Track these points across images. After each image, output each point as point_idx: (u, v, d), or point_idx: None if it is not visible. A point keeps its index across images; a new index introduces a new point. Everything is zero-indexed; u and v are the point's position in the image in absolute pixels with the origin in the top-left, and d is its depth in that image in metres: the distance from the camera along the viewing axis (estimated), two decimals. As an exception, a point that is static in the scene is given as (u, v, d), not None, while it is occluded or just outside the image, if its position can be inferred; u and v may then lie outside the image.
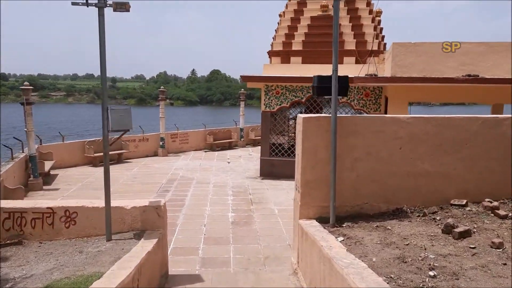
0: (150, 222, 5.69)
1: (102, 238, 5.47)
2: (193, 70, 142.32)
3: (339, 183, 5.40)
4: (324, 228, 5.09)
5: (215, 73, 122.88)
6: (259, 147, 22.62)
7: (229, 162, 17.58)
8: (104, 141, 5.25)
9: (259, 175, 14.69)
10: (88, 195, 11.85)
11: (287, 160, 14.42)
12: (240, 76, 13.90)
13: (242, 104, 22.93)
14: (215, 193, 12.33)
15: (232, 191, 12.61)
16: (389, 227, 4.97)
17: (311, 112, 14.63)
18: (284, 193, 12.35)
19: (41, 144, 15.76)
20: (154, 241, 5.18)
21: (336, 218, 5.34)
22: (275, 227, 9.18)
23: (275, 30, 15.31)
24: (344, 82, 5.21)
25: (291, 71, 14.00)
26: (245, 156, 19.37)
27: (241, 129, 22.67)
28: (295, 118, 15.58)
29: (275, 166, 14.48)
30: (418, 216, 5.34)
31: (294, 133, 15.31)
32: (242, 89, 22.78)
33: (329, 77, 5.16)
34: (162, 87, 19.10)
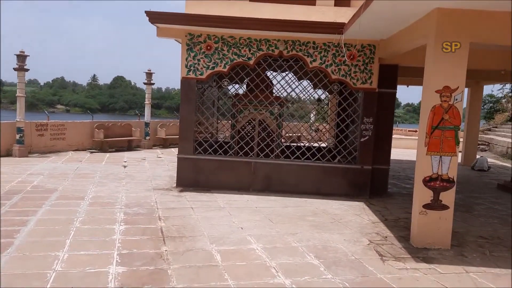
0: None
1: None
2: (94, 75, 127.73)
3: None
4: None
5: (119, 80, 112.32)
6: (172, 149, 16.54)
7: (125, 166, 11.33)
8: None
9: (174, 185, 8.83)
10: None
11: (226, 161, 8.75)
12: (145, 12, 8.02)
13: (148, 89, 16.49)
14: (89, 217, 6.23)
15: (125, 213, 6.59)
16: None
17: (255, 88, 9.13)
18: (224, 216, 6.70)
19: None
20: None
21: None
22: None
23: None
24: None
25: (232, 11, 8.45)
26: (151, 159, 13.15)
27: (147, 124, 16.18)
28: (235, 96, 9.86)
29: (204, 171, 8.73)
30: None
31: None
32: (149, 69, 16.33)
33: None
34: (23, 50, 12.26)
